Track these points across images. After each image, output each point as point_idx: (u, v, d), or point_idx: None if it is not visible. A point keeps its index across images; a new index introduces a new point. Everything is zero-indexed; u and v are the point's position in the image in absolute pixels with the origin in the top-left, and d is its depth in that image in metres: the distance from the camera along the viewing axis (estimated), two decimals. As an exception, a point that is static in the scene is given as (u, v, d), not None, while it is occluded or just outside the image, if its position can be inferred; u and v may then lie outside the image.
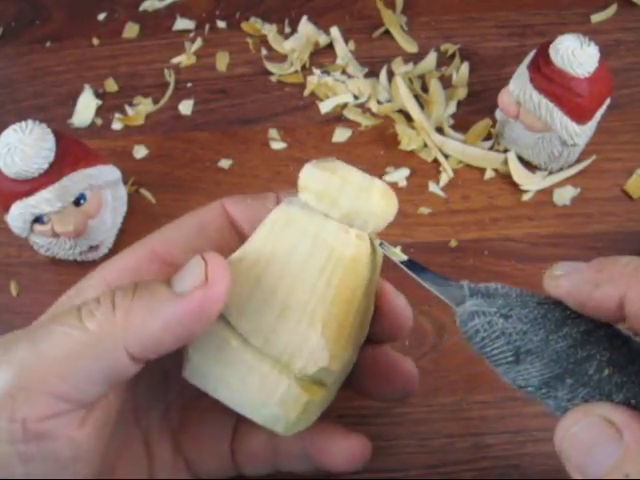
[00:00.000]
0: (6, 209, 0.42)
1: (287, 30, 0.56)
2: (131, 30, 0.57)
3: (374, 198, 0.27)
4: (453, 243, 0.46)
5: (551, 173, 0.48)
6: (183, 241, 0.30)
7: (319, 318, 0.25)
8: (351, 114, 0.52)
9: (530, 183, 0.47)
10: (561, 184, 0.48)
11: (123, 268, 0.28)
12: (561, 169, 0.48)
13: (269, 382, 0.25)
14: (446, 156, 0.49)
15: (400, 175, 0.49)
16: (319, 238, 0.26)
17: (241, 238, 0.30)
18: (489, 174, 0.48)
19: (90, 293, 0.27)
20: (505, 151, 0.49)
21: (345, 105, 0.52)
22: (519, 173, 0.47)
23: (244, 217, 0.30)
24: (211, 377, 0.26)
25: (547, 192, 0.47)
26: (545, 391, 0.23)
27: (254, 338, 0.25)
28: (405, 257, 0.27)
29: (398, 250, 0.27)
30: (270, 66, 0.54)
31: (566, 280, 0.23)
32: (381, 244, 0.27)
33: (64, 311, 0.25)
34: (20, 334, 0.25)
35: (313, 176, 0.26)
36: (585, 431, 0.22)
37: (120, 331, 0.24)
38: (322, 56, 0.55)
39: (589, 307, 0.23)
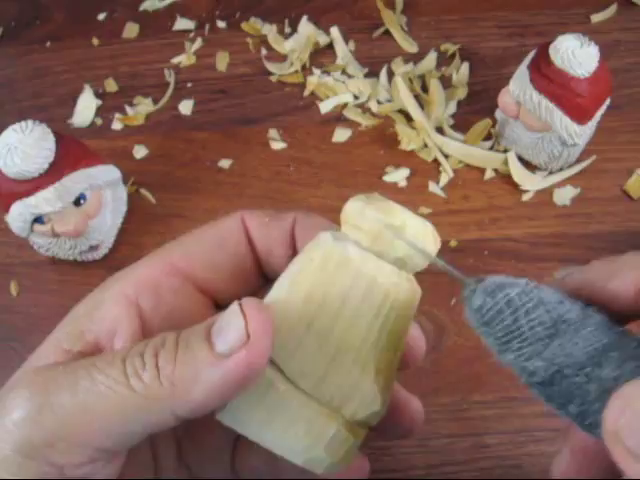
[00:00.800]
0: (6, 209, 0.42)
1: (287, 30, 0.56)
2: (131, 30, 0.57)
3: (429, 243, 0.26)
4: (453, 243, 0.46)
5: (551, 173, 0.48)
6: (203, 255, 0.29)
7: (372, 364, 0.25)
8: (351, 114, 0.52)
9: (530, 183, 0.47)
10: (561, 184, 0.48)
11: (142, 281, 0.28)
12: (561, 169, 0.48)
13: (317, 426, 0.25)
14: (446, 156, 0.49)
15: (400, 175, 0.49)
16: (374, 281, 0.25)
17: (253, 254, 0.29)
18: (489, 174, 0.48)
19: (110, 310, 0.27)
20: (505, 151, 0.49)
21: (345, 105, 0.52)
22: (519, 173, 0.47)
23: (259, 234, 0.29)
24: (253, 421, 0.25)
25: (547, 192, 0.47)
26: (589, 370, 0.21)
27: (303, 382, 0.25)
28: (431, 253, 0.26)
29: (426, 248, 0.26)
30: (270, 66, 0.54)
31: (576, 276, 0.23)
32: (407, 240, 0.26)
33: (106, 359, 0.24)
34: (60, 375, 0.24)
35: (364, 215, 0.25)
36: None
37: (167, 397, 0.23)
38: (322, 56, 0.55)
39: (604, 298, 0.22)
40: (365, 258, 0.25)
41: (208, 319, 0.24)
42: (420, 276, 0.44)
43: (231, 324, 0.23)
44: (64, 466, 0.23)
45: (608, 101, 0.45)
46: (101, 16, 0.58)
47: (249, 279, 0.30)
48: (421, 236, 0.26)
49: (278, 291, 0.26)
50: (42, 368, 0.25)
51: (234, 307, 0.23)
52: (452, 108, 0.51)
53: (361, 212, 0.25)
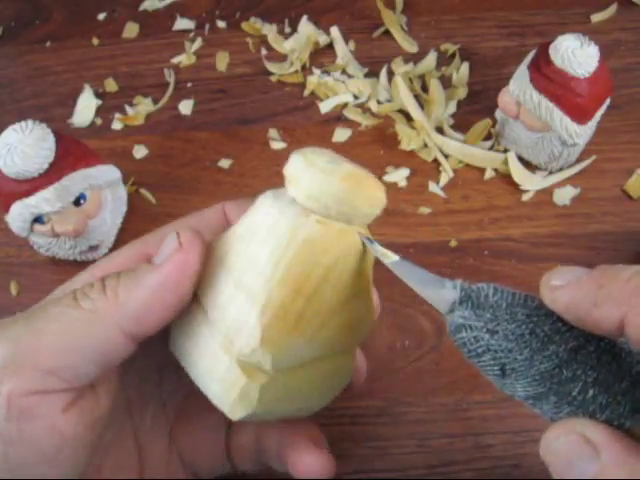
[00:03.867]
0: (6, 209, 0.42)
1: (287, 30, 0.56)
2: (131, 30, 0.57)
3: (362, 194, 0.26)
4: (453, 243, 0.46)
5: (551, 173, 0.48)
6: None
7: (261, 299, 0.25)
8: (351, 114, 0.52)
9: (530, 183, 0.47)
10: (561, 184, 0.48)
11: (115, 267, 0.28)
12: (561, 169, 0.48)
13: (216, 358, 0.26)
14: (446, 156, 0.49)
15: (400, 175, 0.49)
16: (280, 221, 0.25)
17: None
18: (489, 174, 0.48)
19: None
20: (505, 151, 0.49)
21: (345, 105, 0.52)
22: (519, 173, 0.47)
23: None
24: (183, 351, 0.27)
25: (547, 192, 0.47)
26: (532, 402, 0.23)
27: (212, 312, 0.26)
28: (396, 257, 0.25)
29: (388, 251, 0.26)
30: (270, 66, 0.54)
31: (564, 294, 0.23)
32: (370, 241, 0.26)
33: (59, 296, 0.26)
34: (18, 315, 0.26)
35: (298, 168, 0.26)
36: (565, 447, 0.22)
37: (112, 307, 0.25)
38: (322, 56, 0.55)
39: (587, 324, 0.22)
40: (289, 207, 0.26)
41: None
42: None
43: (167, 243, 0.26)
44: (11, 393, 0.24)
45: (608, 101, 0.45)
46: (101, 16, 0.58)
47: None
48: (352, 187, 0.25)
49: (221, 235, 0.27)
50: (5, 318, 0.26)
51: (171, 233, 0.26)
52: (452, 108, 0.51)
53: (296, 167, 0.26)
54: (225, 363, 0.25)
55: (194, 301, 0.27)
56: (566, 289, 0.23)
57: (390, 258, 0.26)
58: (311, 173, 0.25)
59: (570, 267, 0.23)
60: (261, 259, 0.25)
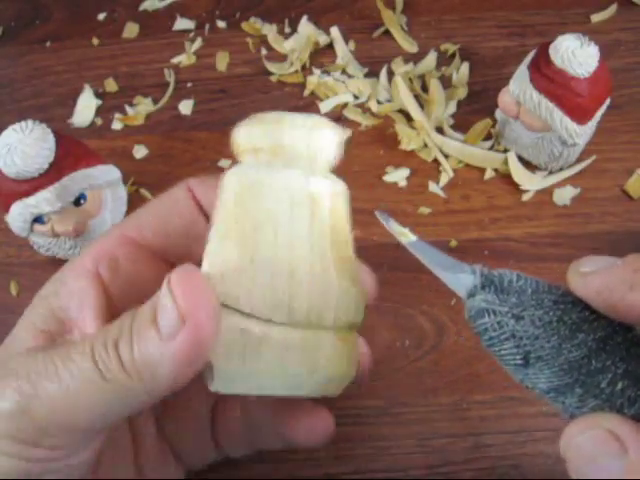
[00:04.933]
0: (6, 209, 0.42)
1: (287, 30, 0.56)
2: (131, 30, 0.57)
3: (325, 134, 0.25)
4: (453, 243, 0.46)
5: (551, 173, 0.48)
6: (154, 223, 0.31)
7: (328, 263, 0.24)
8: (351, 114, 0.52)
9: (530, 183, 0.47)
10: (561, 184, 0.48)
11: (99, 253, 0.29)
12: (561, 169, 0.48)
13: (310, 349, 0.24)
14: (446, 156, 0.49)
15: (400, 175, 0.49)
16: (293, 190, 0.25)
17: (206, 217, 0.30)
18: (489, 174, 0.48)
19: (75, 284, 0.28)
20: (505, 151, 0.49)
21: (345, 105, 0.52)
22: (519, 173, 0.47)
23: (206, 198, 0.31)
24: (246, 376, 0.24)
25: (547, 192, 0.47)
26: (553, 395, 0.22)
27: (276, 314, 0.24)
28: (414, 238, 0.25)
29: (407, 230, 0.25)
30: (270, 66, 0.54)
31: (596, 279, 0.22)
32: (388, 221, 0.26)
33: (77, 350, 0.25)
34: (40, 365, 0.25)
35: (254, 135, 0.25)
36: (589, 442, 0.21)
37: (137, 383, 0.24)
38: (322, 56, 0.55)
39: (619, 310, 0.21)
40: (272, 174, 0.25)
41: (153, 297, 0.24)
42: (420, 276, 0.44)
43: (166, 305, 0.23)
44: (54, 448, 0.25)
45: (608, 101, 0.45)
46: (101, 16, 0.58)
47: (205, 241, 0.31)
48: (314, 130, 0.25)
49: (210, 244, 0.25)
50: (22, 356, 0.26)
51: (164, 286, 0.24)
52: (452, 108, 0.51)
53: (250, 134, 0.25)
54: (326, 344, 0.24)
55: (235, 320, 0.24)
56: (599, 274, 0.22)
57: (408, 237, 0.25)
58: (275, 132, 0.25)
59: (599, 256, 0.23)
60: (302, 234, 0.24)
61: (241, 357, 0.24)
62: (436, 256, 0.24)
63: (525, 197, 0.47)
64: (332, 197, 0.25)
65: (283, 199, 0.25)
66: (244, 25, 0.57)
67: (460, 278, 0.23)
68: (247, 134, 0.25)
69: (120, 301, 0.29)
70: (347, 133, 0.26)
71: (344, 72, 0.54)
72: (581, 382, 0.22)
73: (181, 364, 0.23)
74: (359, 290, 0.25)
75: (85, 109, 0.53)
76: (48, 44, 0.57)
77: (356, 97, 0.53)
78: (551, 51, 0.42)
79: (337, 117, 0.52)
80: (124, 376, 0.24)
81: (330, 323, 0.24)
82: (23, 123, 0.41)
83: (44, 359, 0.25)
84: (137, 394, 0.24)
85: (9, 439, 0.24)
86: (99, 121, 0.53)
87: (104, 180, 0.44)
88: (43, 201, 0.41)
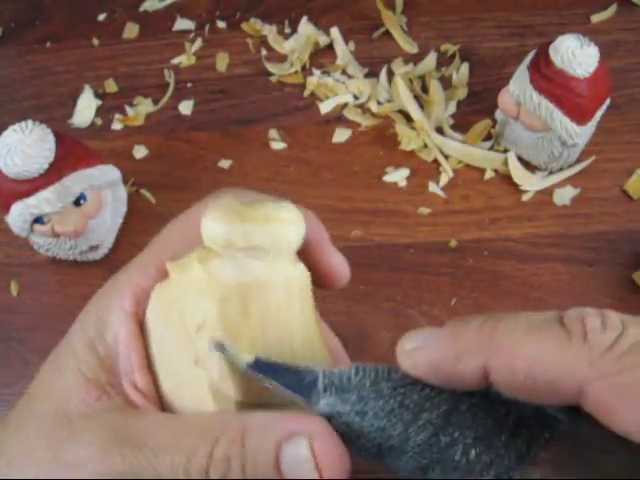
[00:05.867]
0: (6, 209, 0.42)
1: (287, 30, 0.56)
2: (131, 30, 0.57)
3: (289, 229, 0.25)
4: (453, 243, 0.46)
5: (551, 173, 0.48)
6: (184, 245, 0.28)
7: (317, 344, 0.25)
8: (351, 114, 0.52)
9: (530, 183, 0.47)
10: (561, 184, 0.48)
11: (139, 294, 0.27)
12: (561, 169, 0.48)
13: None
14: (446, 156, 0.49)
15: (400, 175, 0.49)
16: (277, 285, 0.25)
17: None
18: (489, 174, 0.48)
19: (119, 333, 0.26)
20: (505, 151, 0.49)
21: (345, 105, 0.52)
22: (519, 173, 0.47)
23: None
24: None
25: (547, 192, 0.47)
26: (421, 474, 0.22)
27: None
28: (250, 358, 0.23)
29: (243, 353, 0.23)
30: (270, 66, 0.54)
31: (423, 356, 0.22)
32: (223, 349, 0.24)
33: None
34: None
35: (219, 233, 0.25)
36: None
37: None
38: (322, 56, 0.55)
39: (454, 381, 0.21)
40: (251, 270, 0.25)
41: (270, 432, 0.22)
42: (420, 276, 0.44)
43: (303, 467, 0.22)
44: None
45: (608, 101, 0.45)
46: (101, 16, 0.58)
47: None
48: (271, 221, 0.25)
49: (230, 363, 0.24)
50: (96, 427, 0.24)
51: (304, 449, 0.22)
52: (452, 108, 0.51)
53: (215, 229, 0.24)
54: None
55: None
56: (424, 350, 0.22)
57: (243, 360, 0.23)
58: (225, 229, 0.24)
59: (419, 329, 0.23)
60: (296, 323, 0.25)
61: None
62: (277, 370, 0.23)
63: (525, 197, 0.47)
64: (307, 278, 0.26)
65: (276, 294, 0.25)
66: (244, 26, 0.57)
67: (304, 386, 0.23)
68: (212, 231, 0.25)
69: None
70: (301, 220, 0.25)
71: (344, 72, 0.54)
72: (437, 460, 0.22)
73: None
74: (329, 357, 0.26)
75: (85, 109, 0.53)
76: (48, 44, 0.57)
77: (356, 97, 0.53)
78: (551, 51, 0.42)
79: (337, 117, 0.52)
80: None
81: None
82: (23, 123, 0.41)
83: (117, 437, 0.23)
84: None
85: None
86: (99, 121, 0.53)
87: (104, 180, 0.44)
88: (43, 201, 0.41)
